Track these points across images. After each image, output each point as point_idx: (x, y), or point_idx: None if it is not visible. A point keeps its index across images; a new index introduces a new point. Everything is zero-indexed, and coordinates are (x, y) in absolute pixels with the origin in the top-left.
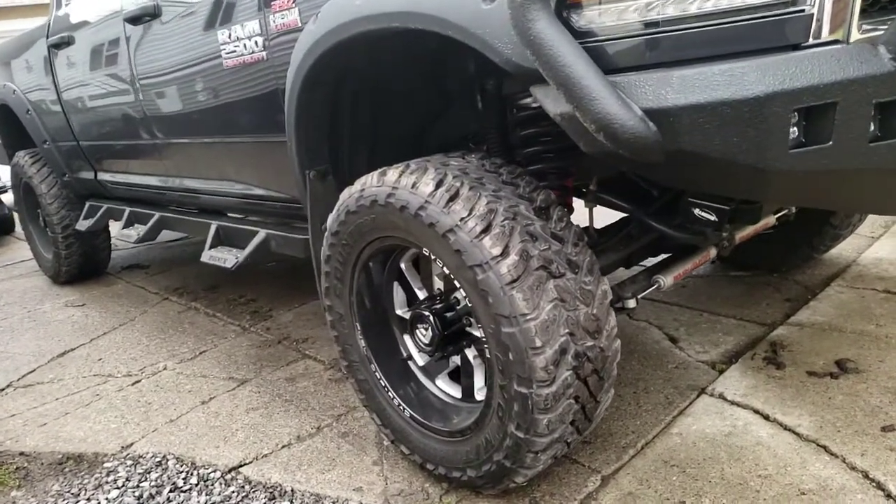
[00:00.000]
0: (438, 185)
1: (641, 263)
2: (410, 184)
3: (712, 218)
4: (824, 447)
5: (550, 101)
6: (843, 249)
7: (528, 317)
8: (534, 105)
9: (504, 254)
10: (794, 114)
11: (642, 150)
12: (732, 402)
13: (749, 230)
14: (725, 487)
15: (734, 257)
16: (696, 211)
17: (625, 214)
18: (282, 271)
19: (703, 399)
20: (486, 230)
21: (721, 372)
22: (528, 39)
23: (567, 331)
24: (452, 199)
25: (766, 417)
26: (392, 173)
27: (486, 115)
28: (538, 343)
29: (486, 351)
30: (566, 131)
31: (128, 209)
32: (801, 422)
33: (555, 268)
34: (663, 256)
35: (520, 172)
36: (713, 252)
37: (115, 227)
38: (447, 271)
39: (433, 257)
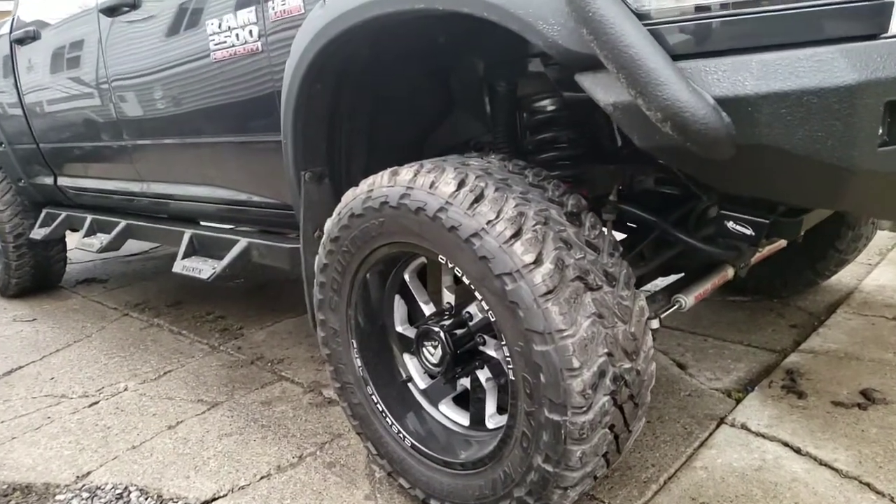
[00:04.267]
0: (461, 185)
1: (643, 289)
2: (428, 183)
3: (748, 232)
4: (868, 484)
5: (602, 90)
6: (842, 276)
7: (565, 333)
8: (549, 108)
9: (537, 262)
10: (882, 107)
11: (712, 143)
12: (757, 434)
13: (765, 250)
14: None
15: (733, 282)
16: (731, 224)
17: (626, 235)
18: (250, 289)
19: (724, 429)
20: (516, 235)
21: (738, 400)
22: (585, 17)
23: (605, 350)
24: (477, 200)
25: (798, 451)
26: (406, 172)
27: (496, 118)
28: (575, 364)
29: (511, 372)
30: (619, 124)
31: (90, 217)
32: (838, 456)
33: (592, 279)
34: (674, 278)
35: (546, 175)
36: (730, 272)
37: (72, 240)
38: (467, 281)
39: (451, 266)
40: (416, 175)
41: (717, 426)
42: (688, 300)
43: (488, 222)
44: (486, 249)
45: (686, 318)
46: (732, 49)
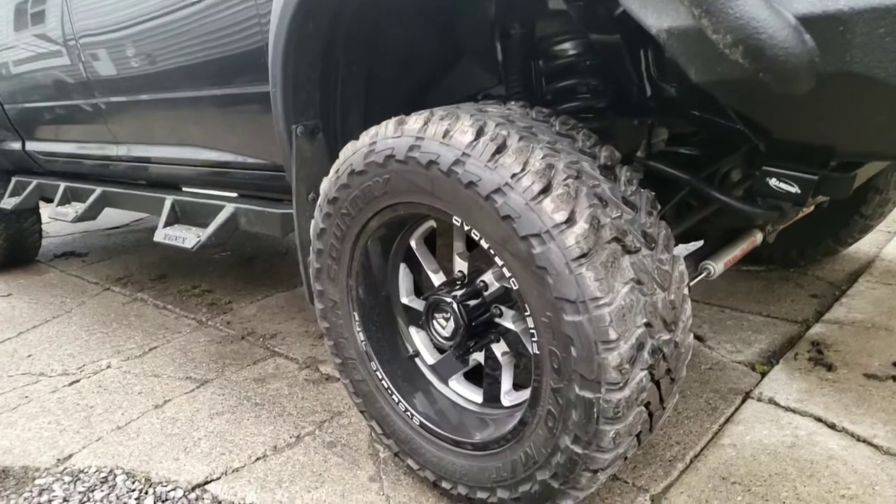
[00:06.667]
0: (479, 133)
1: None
2: (441, 132)
3: (794, 190)
4: None
5: (653, 14)
6: (860, 244)
7: (602, 301)
8: (571, 52)
9: (570, 221)
10: None
11: (791, 72)
12: (787, 408)
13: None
14: None
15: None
16: (773, 181)
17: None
18: (238, 262)
19: (751, 404)
20: (545, 190)
21: (763, 374)
22: None
23: (644, 320)
24: (499, 150)
25: (833, 427)
26: (414, 121)
27: (508, 66)
28: (612, 335)
29: (534, 346)
30: (673, 54)
31: (63, 184)
32: (876, 432)
33: (630, 241)
34: (694, 245)
35: (574, 124)
36: (759, 237)
37: (47, 213)
38: (486, 245)
39: (467, 228)
40: (426, 123)
41: (743, 401)
42: (717, 267)
43: (513, 176)
44: (511, 207)
45: (699, 288)
46: None
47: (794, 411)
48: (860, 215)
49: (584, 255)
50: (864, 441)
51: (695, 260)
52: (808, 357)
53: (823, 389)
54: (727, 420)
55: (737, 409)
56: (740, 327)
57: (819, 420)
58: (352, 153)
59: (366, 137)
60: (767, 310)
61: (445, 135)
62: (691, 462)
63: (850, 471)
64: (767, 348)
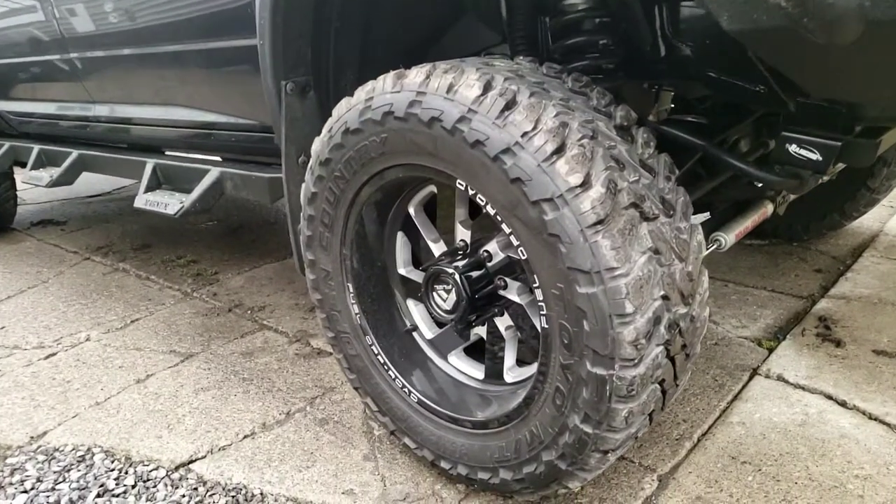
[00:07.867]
0: (486, 88)
1: None
2: (445, 86)
3: (814, 157)
4: None
5: None
6: (863, 219)
7: (618, 272)
8: (581, 7)
9: (585, 184)
10: None
11: (838, 18)
12: (796, 386)
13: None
14: (818, 491)
15: None
16: (793, 148)
17: None
18: (223, 231)
19: (759, 381)
20: (559, 151)
21: (770, 350)
22: None
23: (662, 293)
24: (509, 107)
25: (843, 404)
26: (415, 74)
27: (513, 23)
28: (628, 308)
29: (543, 319)
30: (703, 3)
31: (37, 147)
32: (889, 409)
33: (648, 207)
34: (702, 217)
35: (587, 81)
36: (770, 208)
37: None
38: (493, 211)
39: (472, 192)
40: (428, 77)
41: (751, 377)
42: (728, 239)
43: (523, 135)
44: (521, 169)
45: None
46: None
47: (803, 388)
48: (867, 188)
49: (600, 222)
50: (876, 419)
51: (705, 231)
52: (815, 333)
53: (832, 366)
54: (735, 397)
55: (745, 386)
56: (745, 302)
57: (829, 397)
58: (346, 110)
59: (362, 93)
60: (772, 284)
61: (450, 89)
62: (699, 441)
63: (863, 450)
64: (774, 324)
